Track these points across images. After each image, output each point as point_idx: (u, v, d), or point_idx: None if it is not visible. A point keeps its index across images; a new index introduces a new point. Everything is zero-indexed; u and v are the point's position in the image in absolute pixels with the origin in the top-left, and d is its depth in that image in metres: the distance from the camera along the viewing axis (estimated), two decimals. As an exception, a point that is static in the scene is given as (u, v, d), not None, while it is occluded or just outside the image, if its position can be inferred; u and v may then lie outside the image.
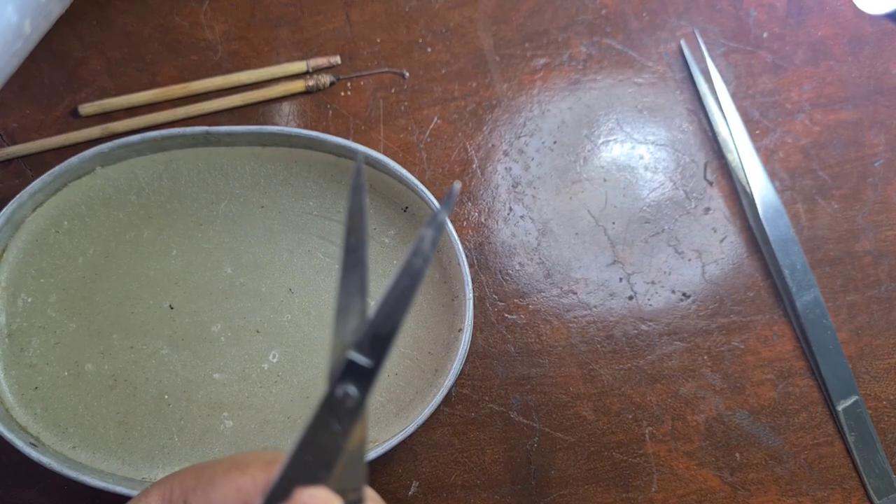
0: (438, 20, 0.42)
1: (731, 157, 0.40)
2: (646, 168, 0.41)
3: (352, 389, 0.22)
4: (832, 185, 0.40)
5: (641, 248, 0.40)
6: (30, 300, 0.39)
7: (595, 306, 0.40)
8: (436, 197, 0.38)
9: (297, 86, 0.41)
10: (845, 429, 0.39)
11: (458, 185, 0.23)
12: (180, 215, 0.40)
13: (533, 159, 0.41)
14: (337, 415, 0.22)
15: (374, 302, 0.36)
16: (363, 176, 0.23)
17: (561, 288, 0.40)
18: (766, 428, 0.39)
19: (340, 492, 0.22)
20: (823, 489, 0.39)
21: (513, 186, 0.41)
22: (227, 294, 0.39)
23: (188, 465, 0.26)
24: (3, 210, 0.37)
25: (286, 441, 0.37)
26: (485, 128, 0.41)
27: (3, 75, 0.34)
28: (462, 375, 0.38)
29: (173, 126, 0.40)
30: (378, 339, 0.22)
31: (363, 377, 0.22)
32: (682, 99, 0.41)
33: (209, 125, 0.40)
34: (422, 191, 0.37)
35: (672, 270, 0.40)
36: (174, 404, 0.39)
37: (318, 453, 0.22)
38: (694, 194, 0.41)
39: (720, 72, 0.41)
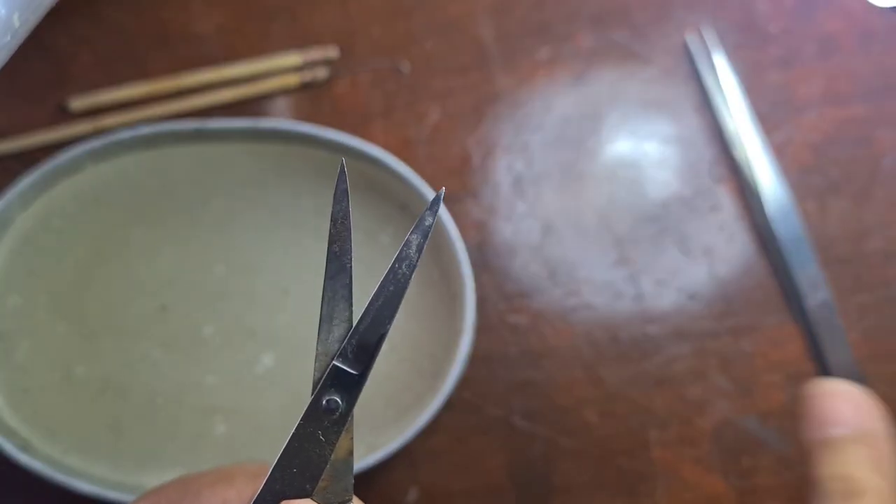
0: (439, 12, 0.41)
1: (739, 153, 0.40)
2: (651, 165, 0.41)
3: (337, 399, 0.22)
4: (842, 183, 0.40)
5: (647, 247, 0.40)
6: (20, 301, 0.39)
7: (600, 307, 0.40)
8: (436, 192, 0.38)
9: (292, 80, 0.41)
10: None
11: (443, 190, 0.23)
12: (172, 213, 0.40)
13: (535, 155, 0.41)
14: (322, 425, 0.22)
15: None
16: (346, 180, 0.23)
17: (565, 288, 0.40)
18: (775, 432, 0.39)
19: None
20: (833, 494, 0.39)
21: (515, 183, 0.41)
22: (220, 295, 0.39)
23: (176, 476, 0.26)
24: (-9, 208, 0.37)
25: (280, 447, 0.38)
26: (486, 123, 0.41)
27: (-10, 70, 0.33)
28: (462, 379, 0.38)
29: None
30: (364, 348, 0.22)
31: (349, 386, 0.22)
32: (689, 94, 0.41)
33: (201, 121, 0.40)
34: (420, 187, 0.37)
35: (679, 270, 0.40)
36: (166, 408, 0.39)
37: (303, 465, 0.22)
38: (701, 192, 0.41)
39: (728, 66, 0.41)
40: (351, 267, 0.23)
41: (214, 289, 0.39)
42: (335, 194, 0.23)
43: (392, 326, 0.23)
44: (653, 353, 0.40)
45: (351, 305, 0.23)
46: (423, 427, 0.37)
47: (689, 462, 0.39)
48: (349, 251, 0.23)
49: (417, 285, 0.39)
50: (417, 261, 0.23)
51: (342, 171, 0.23)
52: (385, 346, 0.38)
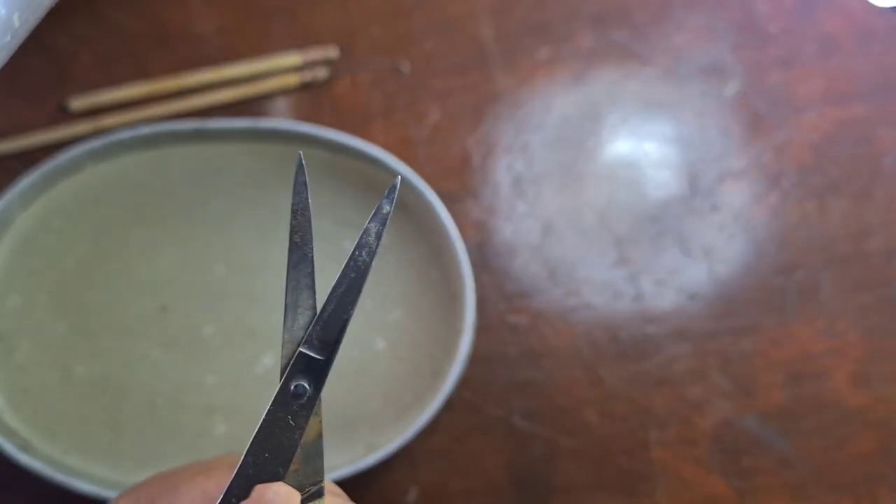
0: (439, 12, 0.41)
1: None
2: (651, 165, 0.41)
3: (305, 384, 0.23)
4: (842, 183, 0.40)
5: (647, 247, 0.40)
6: (20, 301, 0.39)
7: (600, 307, 0.40)
8: (436, 193, 0.38)
9: (292, 80, 0.41)
10: None
11: (399, 179, 0.24)
12: (172, 213, 0.40)
13: (535, 155, 0.41)
14: (291, 410, 0.23)
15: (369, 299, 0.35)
16: (305, 173, 0.23)
17: (564, 288, 0.40)
18: (775, 432, 0.39)
19: (299, 486, 0.23)
20: (833, 494, 0.39)
21: (515, 183, 0.41)
22: (220, 295, 0.39)
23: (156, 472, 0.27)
24: (-9, 208, 0.37)
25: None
26: (486, 123, 0.41)
27: (-9, 70, 0.33)
28: (462, 379, 0.38)
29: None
30: (328, 334, 0.23)
31: (315, 371, 0.23)
32: (689, 94, 0.41)
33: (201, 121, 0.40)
34: (420, 187, 0.37)
35: (679, 270, 0.40)
36: (166, 408, 0.39)
37: (274, 449, 0.23)
38: (701, 192, 0.41)
39: (728, 67, 0.41)
40: (313, 256, 0.24)
41: (214, 289, 0.39)
42: (294, 186, 0.24)
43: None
44: (653, 353, 0.40)
45: (314, 294, 0.24)
46: (423, 427, 0.37)
47: (689, 462, 0.39)
48: (310, 241, 0.24)
49: (417, 285, 0.39)
50: (377, 247, 0.24)
51: (300, 164, 0.24)
52: (384, 346, 0.39)
